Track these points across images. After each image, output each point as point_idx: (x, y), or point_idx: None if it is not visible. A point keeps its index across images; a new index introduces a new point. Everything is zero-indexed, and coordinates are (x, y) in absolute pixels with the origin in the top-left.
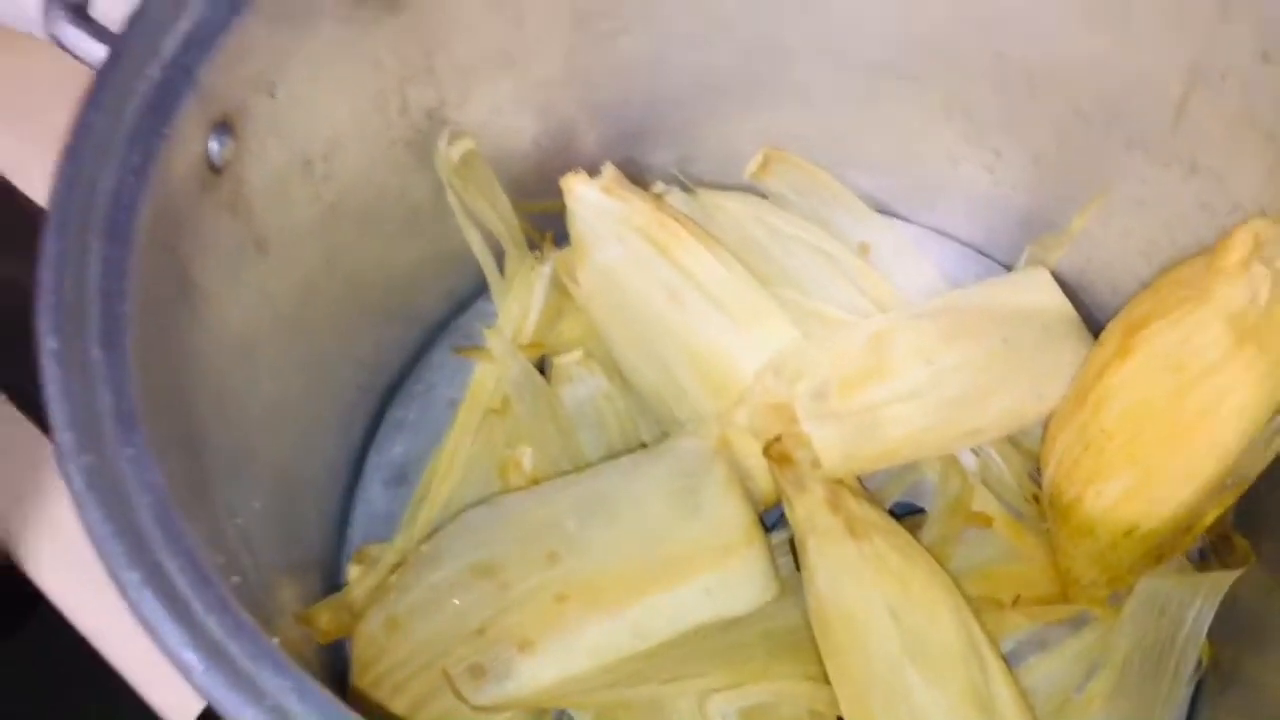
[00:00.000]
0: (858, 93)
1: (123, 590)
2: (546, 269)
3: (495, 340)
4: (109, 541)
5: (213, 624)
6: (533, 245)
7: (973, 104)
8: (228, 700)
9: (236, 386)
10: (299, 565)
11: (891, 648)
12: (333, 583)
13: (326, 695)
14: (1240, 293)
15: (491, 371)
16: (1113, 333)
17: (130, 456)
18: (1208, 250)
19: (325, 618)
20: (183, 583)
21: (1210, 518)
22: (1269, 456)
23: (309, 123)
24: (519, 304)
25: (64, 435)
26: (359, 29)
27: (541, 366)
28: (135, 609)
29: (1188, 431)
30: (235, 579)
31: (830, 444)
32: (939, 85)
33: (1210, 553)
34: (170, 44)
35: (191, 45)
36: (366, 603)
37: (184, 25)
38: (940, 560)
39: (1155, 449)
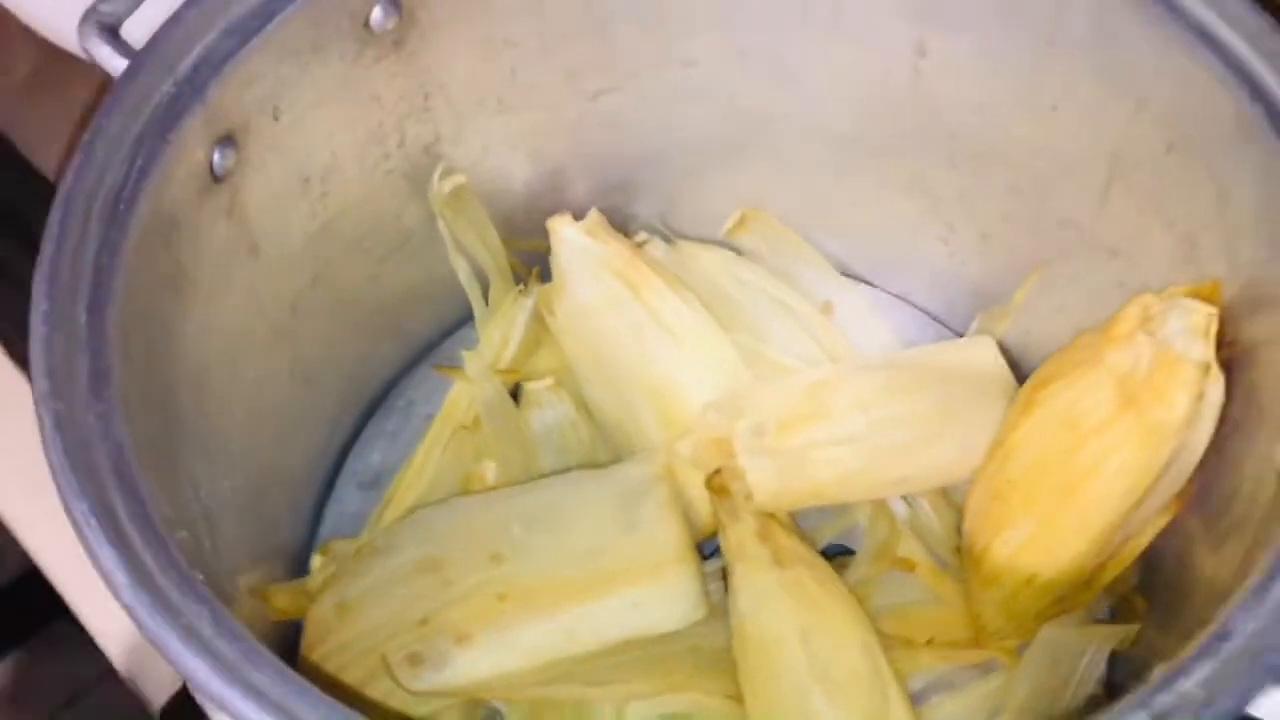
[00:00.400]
0: (827, 163)
1: (71, 516)
2: (529, 301)
3: (472, 363)
4: (66, 474)
5: (149, 557)
6: (519, 278)
7: (930, 180)
8: (149, 619)
9: (218, 374)
10: (266, 551)
11: (800, 670)
12: (300, 572)
13: (238, 624)
14: (1126, 359)
15: (467, 391)
16: (1023, 391)
17: (99, 411)
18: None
19: (283, 598)
20: (126, 519)
21: (1109, 574)
22: (1159, 524)
23: (309, 145)
24: (500, 332)
25: (40, 382)
26: (362, 67)
27: (516, 392)
28: (80, 532)
29: (1078, 486)
30: (183, 534)
31: (763, 478)
32: (900, 161)
33: (1117, 611)
34: (184, 65)
35: (203, 66)
36: (322, 587)
37: (198, 50)
38: (862, 597)
39: (1051, 500)
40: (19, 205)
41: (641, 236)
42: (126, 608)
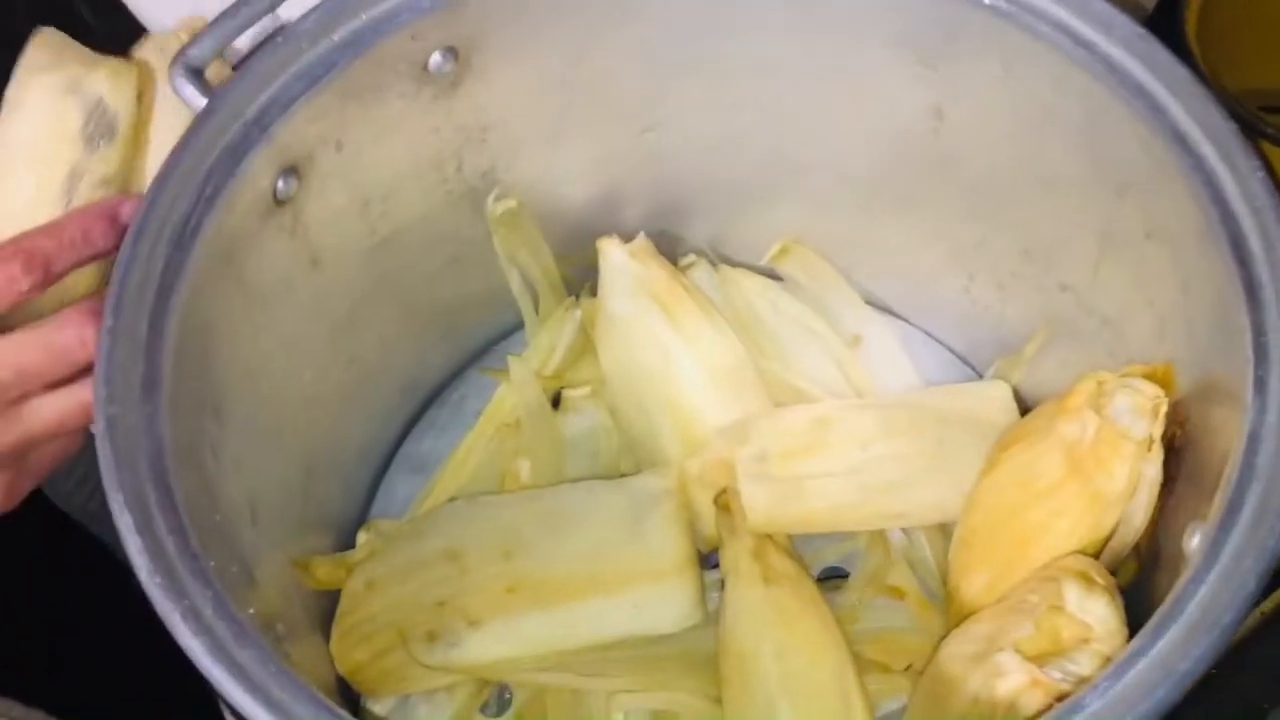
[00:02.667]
0: (859, 207)
1: (111, 506)
2: (577, 314)
3: (517, 368)
4: (110, 470)
5: (170, 545)
6: (572, 290)
7: (951, 231)
8: (161, 599)
9: (276, 371)
10: (313, 525)
11: (771, 683)
12: (349, 545)
13: (231, 606)
14: (1074, 430)
15: (511, 393)
16: (989, 451)
17: (146, 413)
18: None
19: (323, 570)
20: (156, 510)
21: None
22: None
23: (370, 172)
24: (548, 340)
25: (100, 388)
26: (421, 105)
27: (558, 397)
28: (117, 521)
29: (1028, 542)
30: (217, 518)
31: (757, 501)
32: (924, 211)
33: None
34: (254, 107)
35: (271, 108)
36: (358, 564)
37: (267, 93)
38: (850, 620)
39: (1005, 551)
40: None
41: (689, 259)
42: (146, 588)
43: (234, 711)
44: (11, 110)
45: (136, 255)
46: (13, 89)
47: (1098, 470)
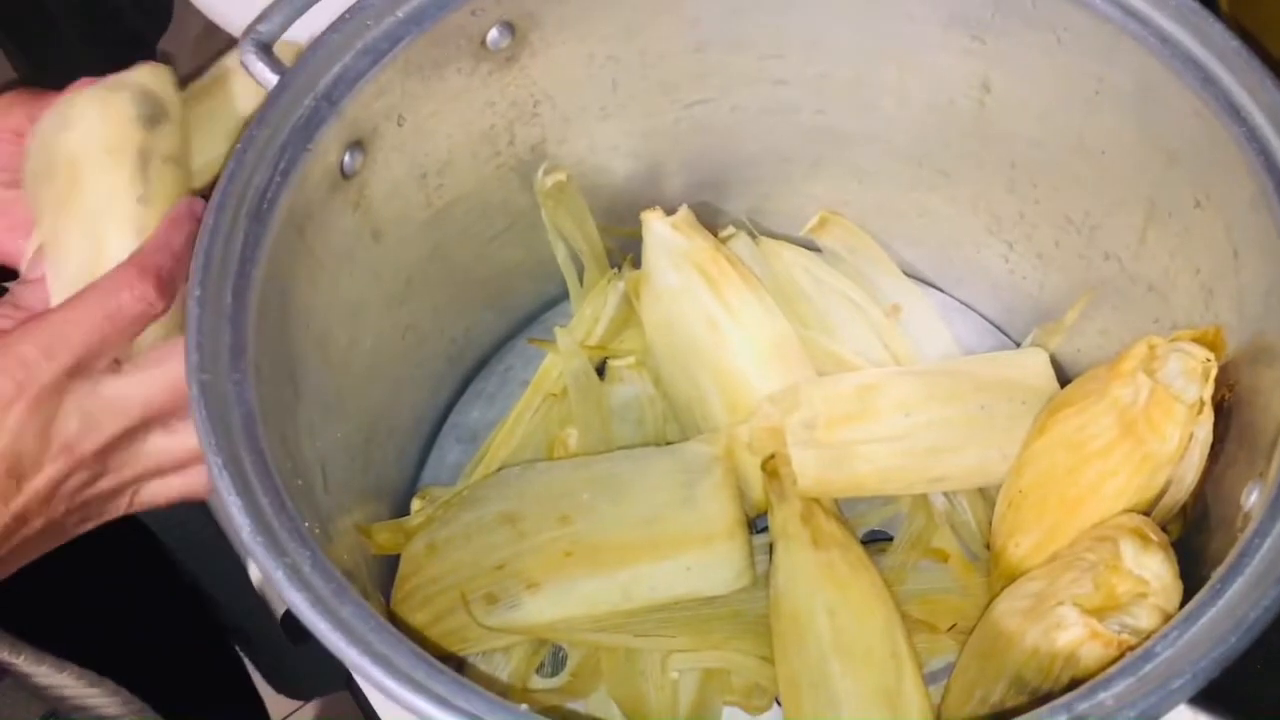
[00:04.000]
0: (901, 178)
1: (210, 467)
2: (620, 285)
3: (564, 338)
4: (207, 434)
5: (266, 504)
6: (614, 262)
7: (992, 202)
8: (264, 558)
9: (340, 340)
10: (374, 492)
11: (823, 641)
12: (402, 512)
13: (333, 566)
14: (1128, 393)
15: (558, 362)
16: (1039, 415)
17: (235, 380)
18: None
19: (384, 535)
20: (252, 472)
21: None
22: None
23: (429, 145)
24: (592, 311)
25: (192, 355)
26: (478, 79)
27: (602, 367)
28: (214, 482)
29: (1079, 502)
30: (299, 482)
31: (807, 467)
32: (966, 182)
33: None
34: (324, 82)
35: (340, 83)
36: (417, 529)
37: (336, 69)
38: (895, 581)
39: (1055, 512)
40: None
41: (729, 230)
42: (247, 547)
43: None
44: (62, 129)
45: (219, 227)
46: (50, 124)
47: (1150, 432)
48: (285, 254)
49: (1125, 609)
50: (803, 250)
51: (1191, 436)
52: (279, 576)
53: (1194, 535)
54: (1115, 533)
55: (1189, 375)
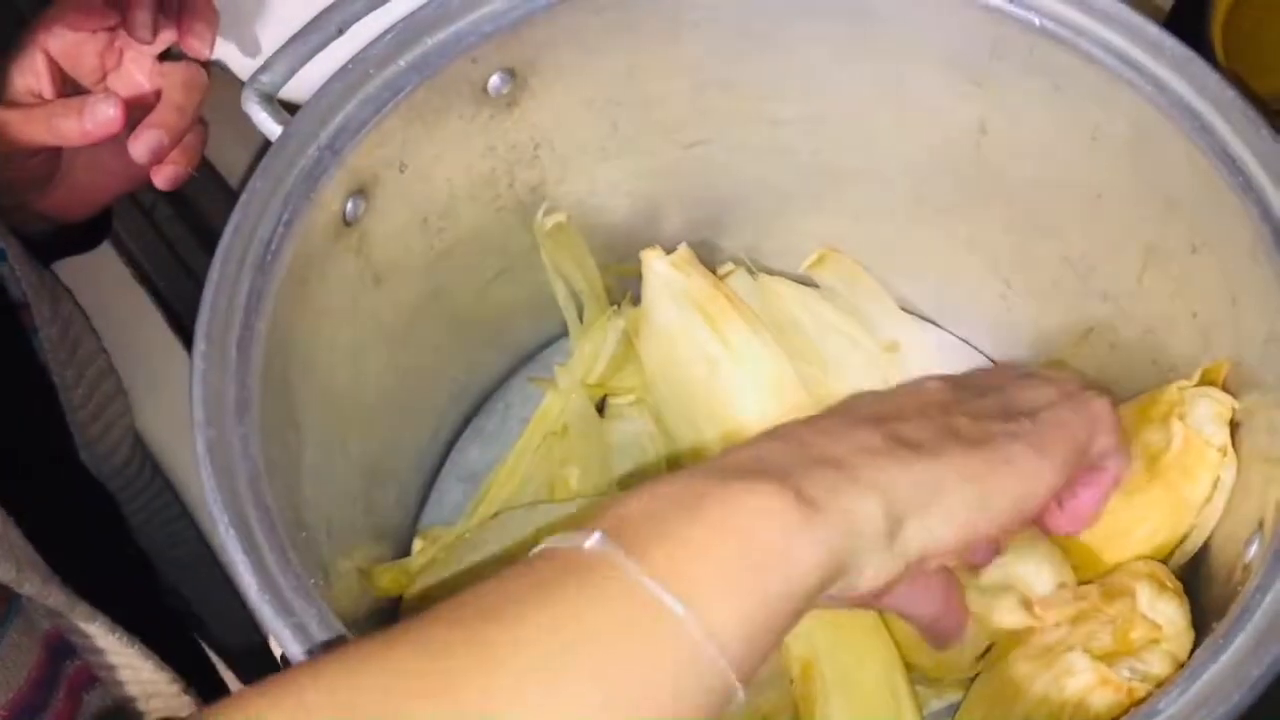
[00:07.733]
0: (899, 216)
1: (217, 526)
2: (620, 323)
3: (563, 376)
4: (214, 490)
5: (272, 562)
6: (614, 299)
7: (990, 240)
8: (271, 617)
9: (342, 383)
10: (375, 534)
11: (825, 679)
12: (403, 553)
13: (333, 619)
14: (1159, 438)
15: (558, 401)
16: None
17: (241, 434)
18: (1144, 397)
19: (387, 578)
20: (258, 529)
21: None
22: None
23: (430, 190)
24: (592, 349)
25: (198, 411)
26: (479, 125)
27: (602, 405)
28: (221, 539)
29: (1108, 543)
30: (303, 534)
31: None
32: (964, 220)
33: None
34: (326, 132)
35: (343, 133)
36: (420, 571)
37: (339, 118)
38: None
39: (1076, 556)
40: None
41: (728, 267)
42: (253, 606)
43: None
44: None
45: (224, 277)
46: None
47: (1183, 478)
48: (289, 304)
49: (1137, 654)
50: (801, 287)
51: (1217, 481)
52: (286, 636)
53: (1190, 583)
54: (1130, 577)
55: (1217, 421)
